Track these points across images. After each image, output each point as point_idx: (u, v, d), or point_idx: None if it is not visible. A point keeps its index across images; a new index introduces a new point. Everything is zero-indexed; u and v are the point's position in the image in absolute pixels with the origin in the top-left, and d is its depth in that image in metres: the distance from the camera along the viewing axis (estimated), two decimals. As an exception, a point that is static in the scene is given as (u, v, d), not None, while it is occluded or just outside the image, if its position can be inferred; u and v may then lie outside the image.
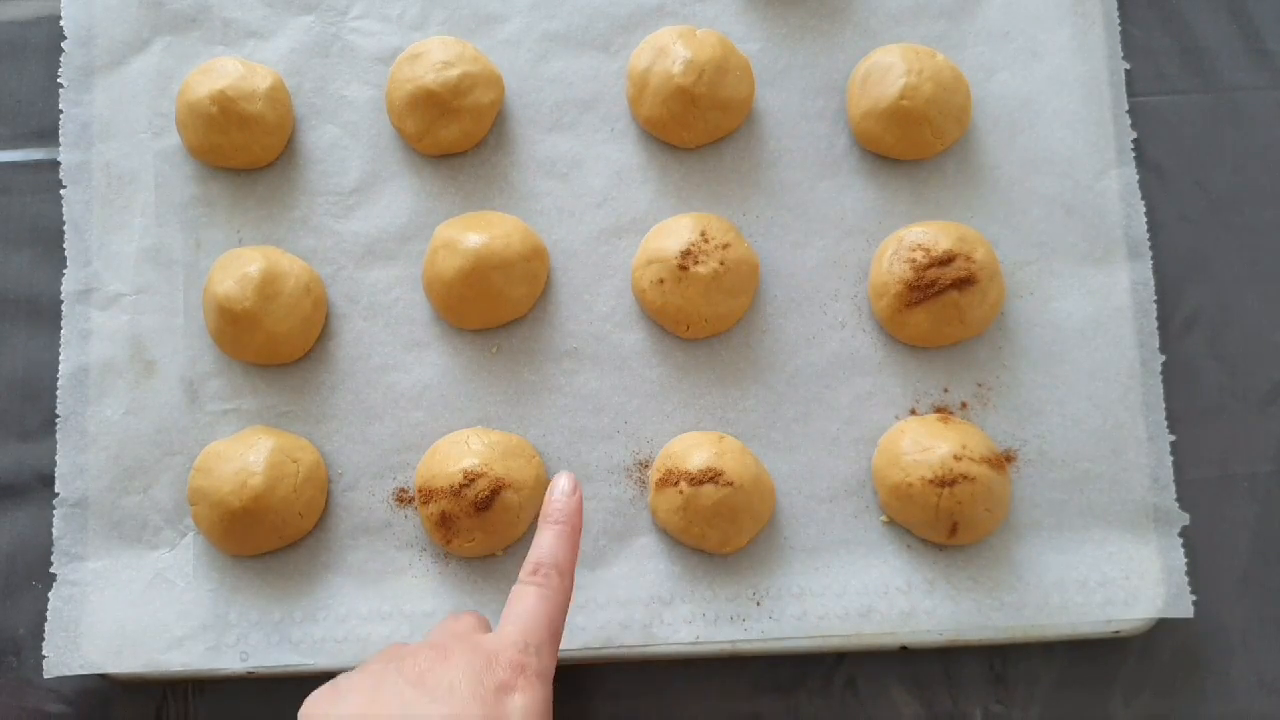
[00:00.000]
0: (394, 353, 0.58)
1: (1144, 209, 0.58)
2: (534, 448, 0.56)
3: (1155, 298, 0.57)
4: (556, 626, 0.42)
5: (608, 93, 0.61)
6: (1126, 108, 0.59)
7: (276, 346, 0.56)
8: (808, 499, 0.56)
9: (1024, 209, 0.59)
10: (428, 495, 0.54)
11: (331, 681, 0.41)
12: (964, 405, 0.57)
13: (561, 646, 0.53)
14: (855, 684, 0.55)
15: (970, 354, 0.57)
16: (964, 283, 0.55)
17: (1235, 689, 0.55)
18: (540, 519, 0.45)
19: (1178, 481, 0.55)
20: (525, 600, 0.42)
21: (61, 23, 0.62)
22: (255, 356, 0.57)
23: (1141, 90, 0.61)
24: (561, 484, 0.46)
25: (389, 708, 0.38)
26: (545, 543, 0.44)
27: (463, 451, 0.54)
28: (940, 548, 0.55)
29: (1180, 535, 0.54)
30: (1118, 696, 0.55)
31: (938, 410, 0.57)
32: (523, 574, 0.43)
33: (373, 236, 0.60)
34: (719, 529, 0.53)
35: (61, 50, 0.61)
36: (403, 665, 0.39)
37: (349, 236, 0.60)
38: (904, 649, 0.54)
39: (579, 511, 0.46)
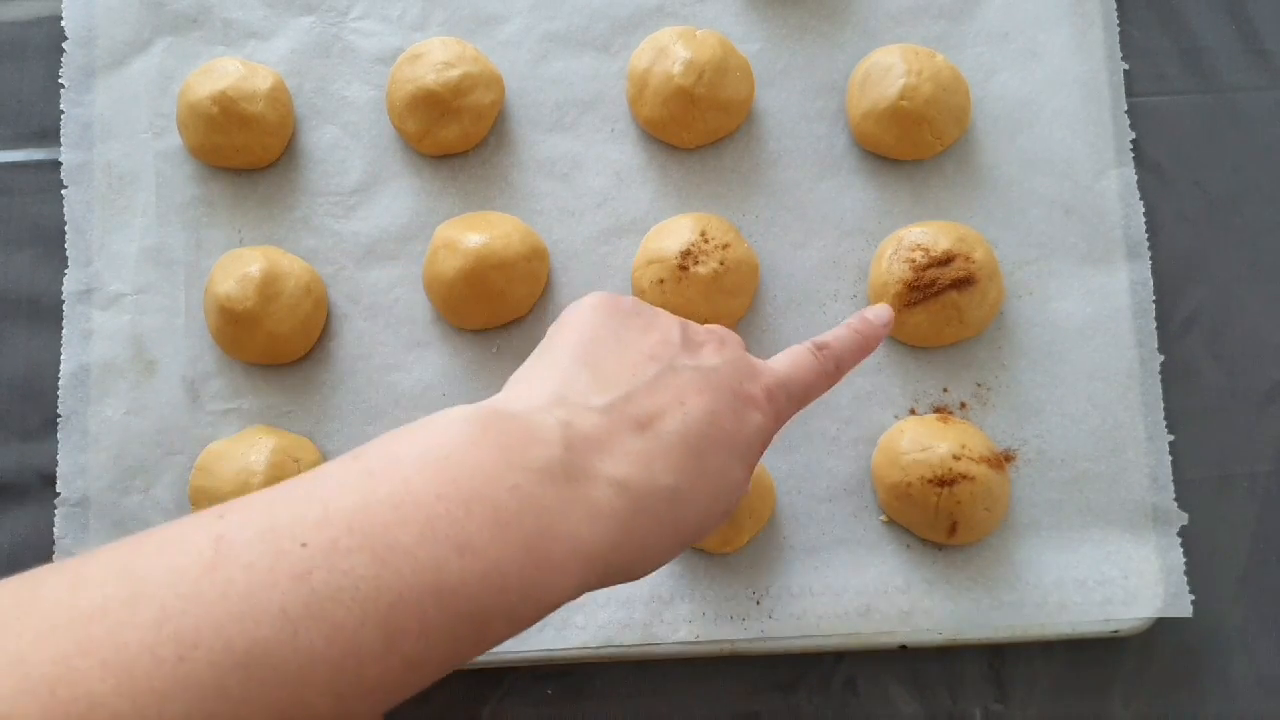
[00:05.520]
0: (395, 353, 0.58)
1: (1143, 209, 0.58)
2: (534, 447, 0.56)
3: (1154, 298, 0.57)
4: (808, 396, 0.42)
5: (608, 93, 0.61)
6: (1126, 108, 0.59)
7: (277, 346, 0.57)
8: (807, 498, 0.56)
9: (1023, 209, 0.59)
10: (428, 495, 0.54)
11: (633, 299, 0.41)
12: (963, 405, 0.57)
13: (560, 646, 0.54)
14: (854, 683, 0.55)
15: (969, 354, 0.58)
16: (963, 283, 0.55)
17: (1235, 689, 0.55)
18: (846, 323, 0.46)
19: (1177, 481, 0.55)
20: (800, 360, 0.42)
21: (62, 23, 0.62)
22: (256, 356, 0.57)
23: (1141, 91, 0.61)
24: (881, 309, 0.47)
25: (659, 344, 0.38)
26: (842, 335, 0.44)
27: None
28: (939, 547, 0.55)
29: (1179, 535, 0.54)
30: (1117, 696, 0.55)
31: (937, 410, 0.57)
32: (807, 343, 0.43)
33: (373, 237, 0.60)
34: (718, 529, 0.53)
35: (62, 51, 0.61)
36: (684, 324, 0.40)
37: (349, 236, 0.60)
38: (903, 648, 0.54)
39: (879, 337, 0.46)
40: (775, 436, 0.40)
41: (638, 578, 0.35)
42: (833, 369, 0.43)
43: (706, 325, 0.43)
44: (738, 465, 0.37)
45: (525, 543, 0.30)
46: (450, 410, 0.33)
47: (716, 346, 0.40)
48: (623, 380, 0.36)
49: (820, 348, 0.43)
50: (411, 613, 0.27)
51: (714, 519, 0.37)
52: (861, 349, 0.45)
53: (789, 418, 0.41)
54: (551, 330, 0.40)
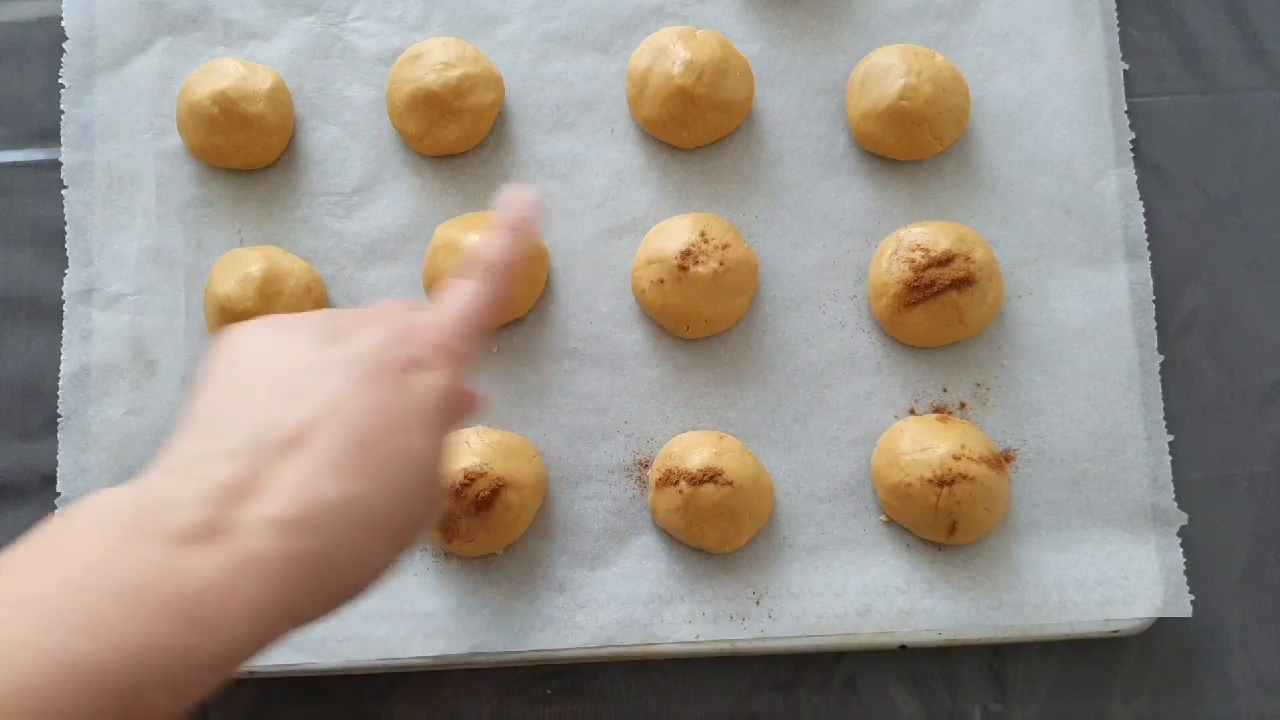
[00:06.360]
0: (394, 353, 0.58)
1: (1143, 209, 0.58)
2: (534, 447, 0.56)
3: (1154, 298, 0.57)
4: (486, 321, 0.42)
5: (608, 93, 0.61)
6: (1125, 108, 0.59)
7: (277, 346, 0.57)
8: (807, 498, 0.56)
9: (1023, 209, 0.59)
10: (428, 495, 0.54)
11: (261, 319, 0.40)
12: (963, 405, 0.57)
13: (560, 646, 0.54)
14: (854, 683, 0.55)
15: (969, 354, 0.58)
16: (963, 283, 0.55)
17: (1234, 689, 0.55)
18: (496, 223, 0.44)
19: (1176, 481, 0.55)
20: (461, 292, 0.42)
21: (63, 23, 0.62)
22: (256, 356, 0.57)
23: (1140, 91, 0.61)
24: (521, 190, 0.45)
25: (292, 356, 0.37)
26: (487, 239, 0.43)
27: (463, 451, 0.54)
28: (939, 547, 0.55)
29: (1179, 535, 0.54)
30: (1116, 696, 0.55)
31: (937, 410, 0.57)
32: (464, 269, 0.43)
33: (373, 237, 0.60)
34: (719, 528, 0.53)
35: (63, 51, 0.61)
36: (323, 321, 0.39)
37: (350, 237, 0.60)
38: (903, 648, 0.54)
39: (527, 216, 0.45)
40: (471, 373, 0.40)
41: (357, 595, 0.35)
42: (494, 277, 0.42)
43: (368, 306, 0.41)
44: (419, 435, 0.36)
45: (166, 611, 0.30)
46: (81, 500, 0.33)
47: (363, 328, 0.38)
48: (260, 411, 0.35)
49: (472, 266, 0.43)
50: (42, 700, 0.28)
51: (420, 501, 0.36)
52: (514, 237, 0.44)
53: (476, 353, 0.41)
54: (191, 394, 0.39)
